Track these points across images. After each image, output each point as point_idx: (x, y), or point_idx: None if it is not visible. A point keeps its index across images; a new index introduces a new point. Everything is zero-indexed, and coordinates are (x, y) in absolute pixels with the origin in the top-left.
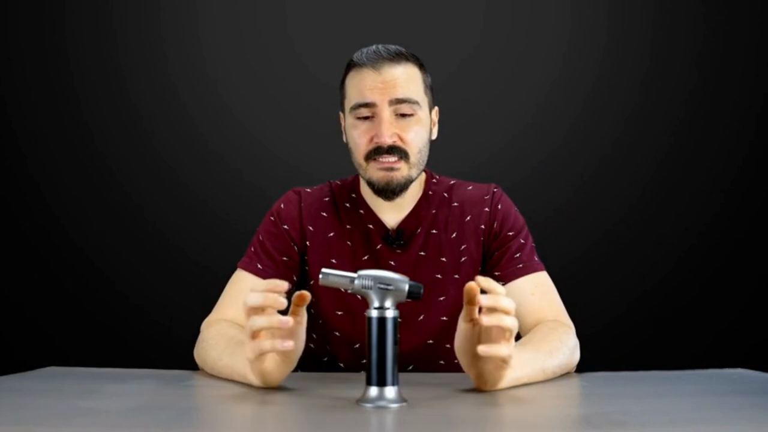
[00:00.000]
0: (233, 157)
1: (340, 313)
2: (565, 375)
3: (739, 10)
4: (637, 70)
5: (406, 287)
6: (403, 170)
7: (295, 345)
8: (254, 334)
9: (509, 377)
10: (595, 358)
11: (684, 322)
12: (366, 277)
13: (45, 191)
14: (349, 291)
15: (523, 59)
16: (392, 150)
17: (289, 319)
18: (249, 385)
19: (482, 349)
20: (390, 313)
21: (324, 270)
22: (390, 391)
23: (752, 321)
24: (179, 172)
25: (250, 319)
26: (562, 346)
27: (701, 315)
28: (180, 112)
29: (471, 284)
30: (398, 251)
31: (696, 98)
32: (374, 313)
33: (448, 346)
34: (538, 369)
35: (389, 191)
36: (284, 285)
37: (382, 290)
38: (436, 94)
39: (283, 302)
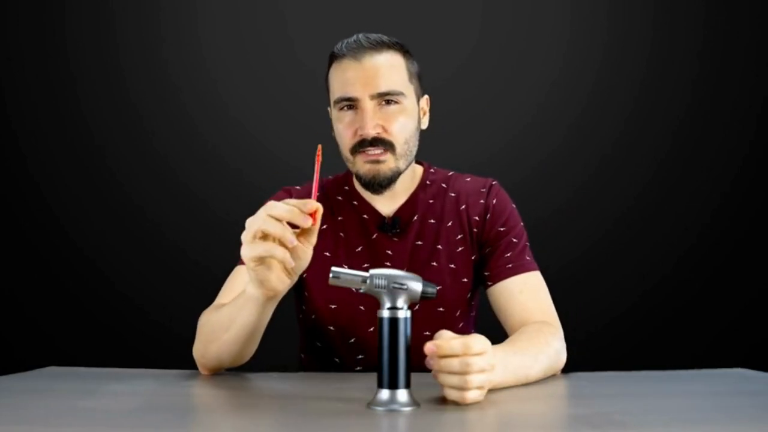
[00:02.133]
0: (233, 157)
1: (333, 306)
2: (565, 375)
3: (739, 10)
4: (637, 70)
5: (420, 287)
6: (389, 162)
7: (300, 261)
8: (263, 236)
9: (492, 383)
10: (595, 358)
11: (684, 322)
12: (380, 276)
13: (45, 191)
14: (361, 291)
15: (523, 59)
16: (377, 142)
17: (294, 241)
18: (251, 386)
19: None
20: (402, 314)
21: (334, 269)
22: (402, 394)
23: (752, 321)
24: (179, 172)
25: (264, 220)
26: (548, 348)
27: (701, 315)
28: (180, 112)
29: (430, 347)
30: (395, 239)
31: (696, 98)
32: (386, 314)
33: None
34: (521, 376)
35: (376, 184)
36: (316, 205)
37: (395, 290)
38: (437, 93)
39: (306, 223)
